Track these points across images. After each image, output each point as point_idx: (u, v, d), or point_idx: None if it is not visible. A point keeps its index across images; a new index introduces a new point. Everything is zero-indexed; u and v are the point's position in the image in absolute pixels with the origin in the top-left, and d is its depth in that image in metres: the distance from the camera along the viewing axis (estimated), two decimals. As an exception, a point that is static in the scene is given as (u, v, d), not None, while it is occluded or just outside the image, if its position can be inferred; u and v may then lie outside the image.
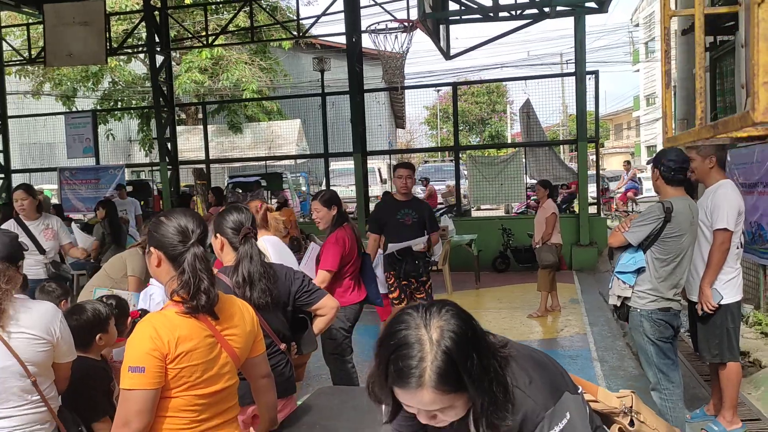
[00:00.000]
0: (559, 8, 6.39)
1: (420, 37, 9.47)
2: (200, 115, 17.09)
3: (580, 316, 7.16)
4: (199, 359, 1.86)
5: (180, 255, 1.92)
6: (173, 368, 1.82)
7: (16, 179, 12.88)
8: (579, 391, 1.43)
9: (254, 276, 2.51)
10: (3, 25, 12.91)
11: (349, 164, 13.22)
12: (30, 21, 12.78)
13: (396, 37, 7.55)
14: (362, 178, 11.23)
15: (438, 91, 35.62)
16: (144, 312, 3.21)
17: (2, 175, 12.67)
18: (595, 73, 10.90)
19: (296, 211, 13.67)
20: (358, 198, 11.31)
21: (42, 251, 5.28)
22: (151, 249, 1.97)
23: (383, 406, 1.41)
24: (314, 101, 13.79)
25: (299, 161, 18.26)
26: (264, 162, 14.95)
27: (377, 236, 5.30)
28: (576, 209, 11.62)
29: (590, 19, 14.84)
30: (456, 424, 1.34)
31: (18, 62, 13.63)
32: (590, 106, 10.88)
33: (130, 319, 3.13)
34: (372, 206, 9.26)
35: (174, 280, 1.92)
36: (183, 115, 16.85)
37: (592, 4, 7.02)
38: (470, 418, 1.26)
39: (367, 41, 9.66)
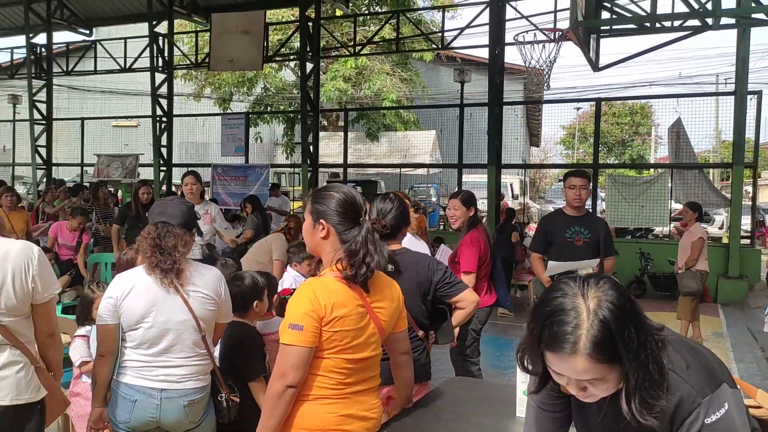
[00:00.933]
0: (723, 20, 6.02)
1: (562, 51, 9.32)
2: (341, 122, 17.84)
3: (725, 351, 6.64)
4: (350, 326, 2.00)
5: (349, 229, 2.05)
6: (327, 331, 1.97)
7: (176, 173, 14.20)
8: (737, 388, 1.38)
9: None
10: (175, 32, 14.28)
11: (480, 177, 13.20)
12: (198, 29, 14.06)
13: (543, 47, 7.48)
14: (495, 191, 11.17)
15: (578, 109, 34.49)
16: (294, 292, 3.45)
17: (164, 168, 13.99)
18: (758, 93, 10.08)
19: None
20: (489, 211, 11.25)
21: (200, 233, 5.80)
22: (321, 221, 2.10)
23: (531, 377, 1.45)
24: (451, 113, 13.93)
25: (431, 172, 18.49)
26: (398, 170, 15.29)
27: (540, 256, 4.56)
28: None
29: (755, 36, 13.71)
30: (605, 405, 1.33)
31: (185, 66, 15.01)
32: (749, 132, 10.06)
33: (277, 296, 3.37)
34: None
35: (338, 251, 2.05)
36: (324, 122, 17.71)
37: (762, 16, 6.53)
38: (622, 395, 1.25)
39: (508, 55, 9.64)
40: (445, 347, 3.94)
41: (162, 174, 13.90)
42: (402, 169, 15.36)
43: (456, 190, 12.80)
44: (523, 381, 2.26)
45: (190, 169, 6.88)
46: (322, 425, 2.00)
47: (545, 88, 8.83)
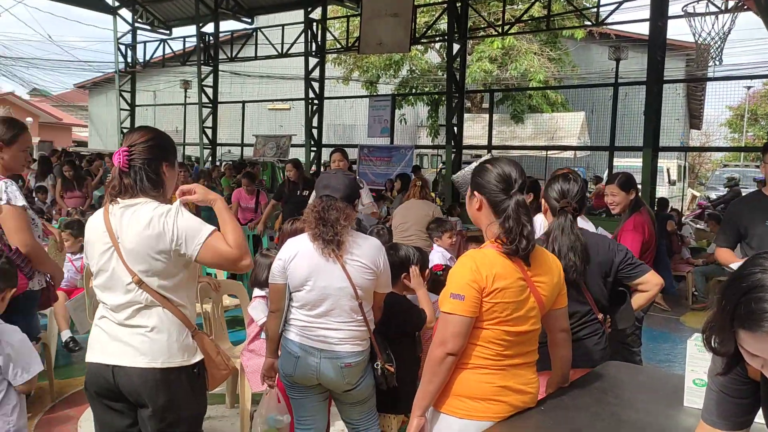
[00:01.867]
0: None
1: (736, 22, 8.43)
2: (485, 104, 17.61)
3: None
4: (510, 298, 2.00)
5: (502, 202, 2.06)
6: (488, 302, 1.98)
7: (325, 153, 14.87)
8: None
9: (563, 249, 2.56)
10: (328, 17, 14.85)
11: (633, 161, 12.43)
12: (349, 14, 14.50)
13: (716, 18, 6.85)
14: (650, 176, 10.48)
15: (748, 88, 31.25)
16: (447, 268, 3.50)
17: (315, 149, 14.69)
18: None
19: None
20: (643, 197, 10.58)
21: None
22: (475, 193, 2.14)
23: (715, 360, 1.37)
24: (602, 93, 13.26)
25: (578, 155, 17.73)
26: (544, 152, 14.84)
27: (727, 250, 3.68)
28: None
29: None
30: None
31: (335, 50, 15.58)
32: None
33: (428, 271, 3.44)
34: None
35: (494, 224, 2.07)
36: (468, 104, 17.58)
37: None
38: None
39: (670, 29, 8.92)
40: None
41: (312, 153, 14.61)
42: (547, 152, 14.88)
43: (607, 174, 12.18)
44: (693, 369, 2.14)
45: (346, 146, 7.18)
46: (479, 394, 2.02)
47: (716, 63, 8.06)
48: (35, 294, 3.00)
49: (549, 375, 2.36)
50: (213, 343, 2.32)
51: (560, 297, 2.18)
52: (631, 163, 14.11)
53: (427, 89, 18.53)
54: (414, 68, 18.06)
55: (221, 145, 16.90)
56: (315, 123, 14.59)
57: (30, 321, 3.01)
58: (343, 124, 21.48)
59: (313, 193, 3.35)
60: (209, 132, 16.15)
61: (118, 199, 2.18)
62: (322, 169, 13.97)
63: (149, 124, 19.08)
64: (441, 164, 16.39)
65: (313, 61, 14.27)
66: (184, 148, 18.19)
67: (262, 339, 3.89)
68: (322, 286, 2.70)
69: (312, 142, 14.52)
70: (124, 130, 17.27)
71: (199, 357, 2.22)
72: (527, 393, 2.09)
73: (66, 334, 4.96)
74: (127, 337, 2.15)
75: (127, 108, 17.55)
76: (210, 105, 16.09)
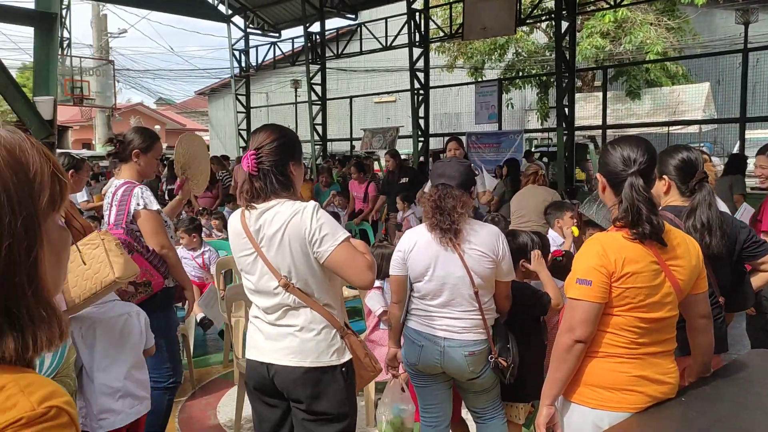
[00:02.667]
0: None
1: None
2: (597, 82, 16.83)
3: None
4: (642, 283, 1.90)
5: (619, 183, 1.97)
6: (618, 287, 1.90)
7: (431, 143, 14.87)
8: None
9: (713, 223, 2.41)
10: (430, 5, 14.78)
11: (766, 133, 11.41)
12: (452, 0, 14.36)
13: None
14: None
15: None
16: (567, 253, 3.40)
17: (422, 139, 14.72)
18: None
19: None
20: (781, 170, 9.69)
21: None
22: (598, 174, 2.08)
23: None
24: (729, 62, 12.24)
25: (704, 129, 16.52)
26: (665, 129, 13.96)
27: None
28: None
29: None
30: None
31: (439, 39, 15.49)
32: None
33: (551, 256, 3.35)
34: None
35: (615, 207, 2.00)
36: (579, 83, 16.87)
37: None
38: None
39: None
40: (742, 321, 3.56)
41: (420, 144, 14.66)
42: (669, 129, 13.98)
43: (734, 148, 11.25)
44: None
45: (453, 135, 7.15)
46: (612, 383, 1.95)
47: None
48: (171, 290, 3.23)
49: (684, 361, 2.24)
50: (361, 344, 2.34)
51: (699, 281, 2.05)
52: (765, 135, 12.95)
53: (534, 71, 17.99)
54: (520, 51, 17.59)
55: (331, 140, 17.36)
56: (421, 113, 14.61)
57: (169, 315, 3.25)
58: (448, 112, 21.36)
59: (428, 183, 3.36)
60: (319, 128, 16.64)
61: (254, 203, 2.19)
62: (430, 159, 13.99)
63: (262, 122, 19.97)
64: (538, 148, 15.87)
65: (417, 51, 14.28)
66: (296, 146, 18.84)
67: (381, 329, 3.98)
68: (442, 275, 2.71)
69: (419, 133, 14.56)
70: (242, 132, 18.18)
71: (347, 357, 2.23)
72: (666, 383, 1.98)
73: (199, 316, 5.25)
74: (279, 337, 2.21)
75: (243, 110, 18.43)
76: (319, 102, 16.56)
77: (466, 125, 19.65)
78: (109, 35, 20.61)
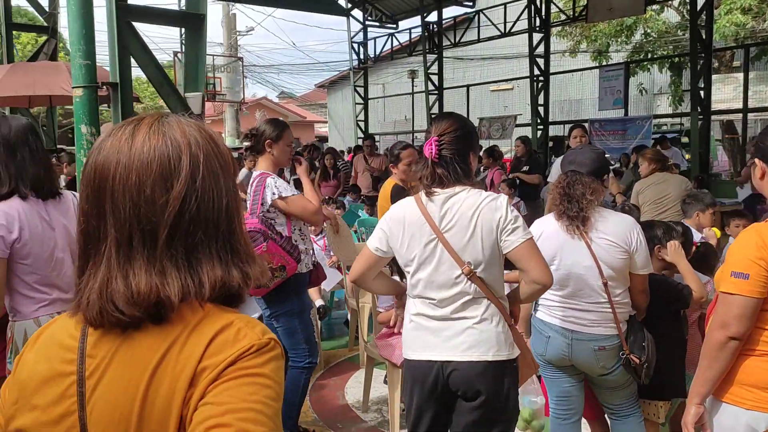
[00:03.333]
0: None
1: None
2: (735, 63, 15.54)
3: None
4: (808, 278, 1.76)
5: None
6: None
7: (551, 130, 14.42)
8: None
9: None
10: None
11: None
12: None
13: None
14: None
15: None
16: (705, 242, 3.20)
17: (541, 127, 14.31)
18: None
19: None
20: None
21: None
22: (755, 160, 1.93)
23: None
24: None
25: None
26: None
27: None
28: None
29: None
30: None
31: (561, 23, 14.94)
32: None
33: (694, 248, 3.17)
34: None
35: None
36: (716, 63, 15.62)
37: None
38: None
39: None
40: None
41: (539, 132, 14.26)
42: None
43: None
44: None
45: (573, 122, 6.91)
46: (771, 384, 1.82)
47: None
48: (304, 276, 3.39)
49: None
50: (522, 338, 2.31)
51: None
52: None
53: (665, 52, 16.87)
54: (649, 31, 16.55)
55: (448, 130, 17.30)
56: (541, 100, 14.20)
57: (303, 299, 3.42)
58: (568, 99, 20.57)
59: (555, 166, 3.27)
60: (436, 118, 16.65)
61: (434, 189, 2.19)
62: (549, 146, 13.56)
63: (379, 115, 20.04)
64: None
65: (537, 37, 13.88)
66: (413, 136, 19.00)
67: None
68: (568, 264, 2.64)
69: (539, 120, 14.17)
70: (360, 123, 18.57)
71: (517, 352, 2.21)
72: (832, 387, 1.82)
73: (318, 302, 5.44)
74: (455, 332, 2.15)
75: (361, 102, 18.82)
76: (436, 92, 16.57)
77: (588, 112, 18.84)
78: (237, 33, 21.77)
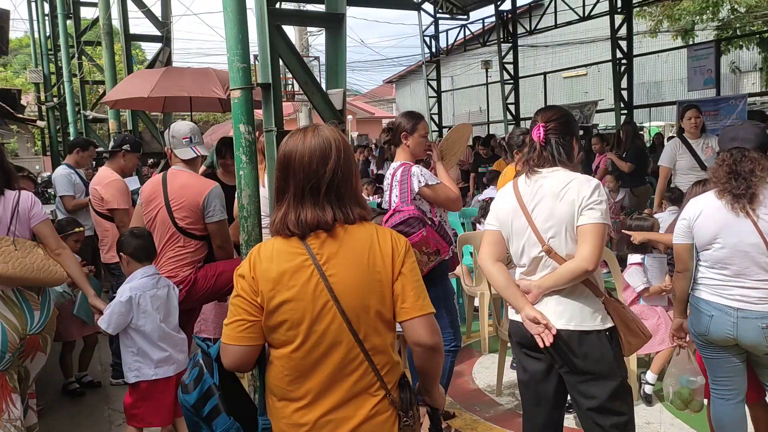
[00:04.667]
0: None
1: None
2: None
3: None
4: None
5: None
6: None
7: (636, 115, 14.00)
8: None
9: None
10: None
11: None
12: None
13: None
14: None
15: None
16: None
17: (625, 111, 13.92)
18: None
19: None
20: None
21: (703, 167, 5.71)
22: None
23: None
24: None
25: None
26: None
27: None
28: None
29: None
30: None
31: (644, 2, 14.47)
32: None
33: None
34: None
35: None
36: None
37: None
38: None
39: None
40: None
41: (623, 117, 13.89)
42: None
43: None
44: None
45: (688, 102, 6.72)
46: None
47: None
48: (446, 261, 3.48)
49: None
50: (627, 310, 2.41)
51: None
52: None
53: (755, 28, 16.09)
54: (737, 6, 15.82)
55: (524, 119, 17.09)
56: (623, 84, 13.81)
57: (446, 284, 3.50)
58: (646, 82, 19.91)
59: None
60: (512, 108, 16.48)
61: (537, 169, 2.41)
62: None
63: (451, 107, 19.90)
64: None
65: (618, 19, 13.51)
66: (488, 127, 18.87)
67: (640, 304, 3.92)
68: (733, 243, 2.61)
69: (622, 105, 13.79)
70: (434, 116, 18.57)
71: (610, 323, 2.35)
72: None
73: None
74: (543, 300, 2.37)
75: (434, 95, 18.83)
76: (511, 81, 16.39)
77: (670, 94, 18.18)
78: (309, 34, 22.17)
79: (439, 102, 18.84)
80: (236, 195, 3.37)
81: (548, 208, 2.33)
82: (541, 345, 2.33)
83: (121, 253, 3.19)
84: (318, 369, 1.62)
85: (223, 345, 1.67)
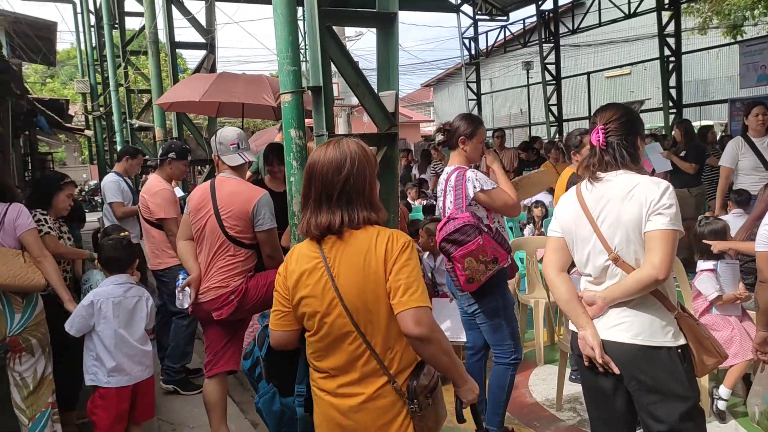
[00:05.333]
0: None
1: None
2: None
3: None
4: None
5: None
6: None
7: (686, 113, 13.54)
8: None
9: None
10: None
11: None
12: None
13: None
14: None
15: None
16: None
17: (674, 110, 13.48)
18: None
19: None
20: None
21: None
22: None
23: None
24: None
25: None
26: None
27: None
28: None
29: None
30: None
31: (690, -1, 14.03)
32: None
33: None
34: None
35: None
36: None
37: None
38: None
39: None
40: None
41: (672, 116, 13.45)
42: None
43: None
44: None
45: (751, 100, 6.41)
46: None
47: None
48: (505, 269, 3.32)
49: None
50: (702, 327, 2.23)
51: None
52: None
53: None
54: (791, -1, 15.16)
55: (567, 120, 16.73)
56: (672, 82, 13.38)
57: (505, 294, 3.34)
58: (692, 80, 19.28)
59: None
60: (554, 109, 16.15)
61: (598, 174, 2.25)
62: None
63: (490, 109, 19.68)
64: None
65: (665, 15, 13.09)
66: (530, 129, 18.55)
67: (712, 314, 3.69)
68: None
69: (671, 104, 13.36)
70: (473, 119, 18.33)
71: (682, 341, 2.17)
72: None
73: None
74: (613, 313, 2.20)
75: (474, 98, 18.61)
76: (553, 82, 16.08)
77: (719, 92, 17.57)
78: (347, 39, 22.19)
79: (478, 104, 18.61)
80: (288, 202, 3.27)
81: (614, 214, 2.17)
82: (600, 368, 2.20)
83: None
84: (334, 352, 1.91)
85: (270, 329, 2.04)
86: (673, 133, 8.26)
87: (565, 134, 16.43)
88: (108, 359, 3.18)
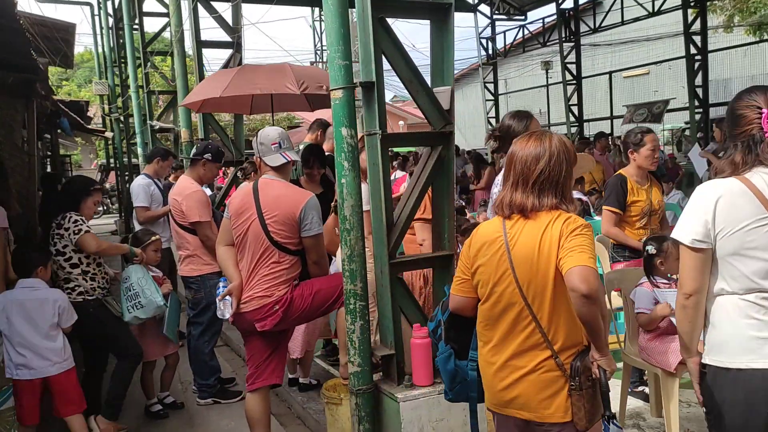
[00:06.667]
0: None
1: None
2: None
3: None
4: None
5: None
6: None
7: (712, 113, 13.26)
8: None
9: None
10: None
11: None
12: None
13: None
14: None
15: None
16: None
17: (700, 110, 13.20)
18: None
19: None
20: None
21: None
22: None
23: None
24: None
25: None
26: None
27: None
28: None
29: None
30: None
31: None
32: None
33: None
34: None
35: None
36: None
37: None
38: None
39: None
40: None
41: (698, 116, 13.18)
42: None
43: None
44: None
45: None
46: None
47: None
48: None
49: None
50: None
51: None
52: None
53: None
54: (819, -4, 14.86)
55: (587, 121, 16.47)
56: (698, 81, 13.10)
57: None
58: (714, 79, 18.95)
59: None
60: (575, 109, 15.90)
61: None
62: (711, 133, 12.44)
63: (507, 110, 19.46)
64: None
65: (691, 13, 12.83)
66: (549, 129, 18.29)
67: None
68: None
69: (696, 103, 13.08)
70: (491, 120, 18.12)
71: None
72: None
73: None
74: None
75: (491, 98, 18.38)
76: (574, 82, 15.83)
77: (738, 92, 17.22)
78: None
79: (496, 105, 18.38)
80: (338, 205, 3.07)
81: None
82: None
83: None
84: (499, 322, 2.05)
85: (450, 294, 2.25)
86: (713, 132, 8.00)
87: (589, 134, 16.18)
88: (15, 355, 3.45)
